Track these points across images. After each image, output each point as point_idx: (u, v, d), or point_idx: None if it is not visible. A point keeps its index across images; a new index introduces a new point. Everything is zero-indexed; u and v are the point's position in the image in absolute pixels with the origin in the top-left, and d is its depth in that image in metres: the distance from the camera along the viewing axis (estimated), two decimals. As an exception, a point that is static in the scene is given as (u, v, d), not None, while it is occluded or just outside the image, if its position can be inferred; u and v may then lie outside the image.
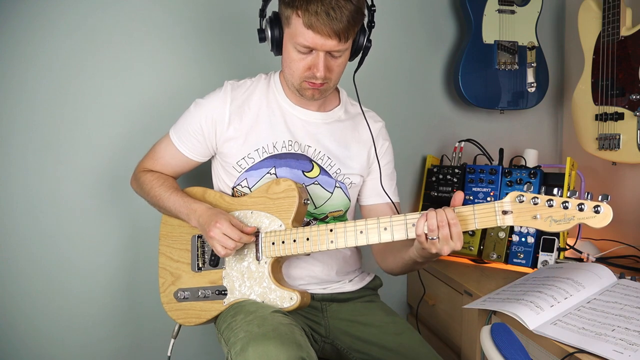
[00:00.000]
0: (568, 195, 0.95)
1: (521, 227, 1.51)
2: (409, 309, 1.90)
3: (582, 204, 0.93)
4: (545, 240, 1.46)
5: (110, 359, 1.57)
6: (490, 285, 1.34)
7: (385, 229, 1.07)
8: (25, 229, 1.47)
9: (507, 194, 1.00)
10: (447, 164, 1.77)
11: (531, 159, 1.72)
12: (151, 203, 1.29)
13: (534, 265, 1.47)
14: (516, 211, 0.98)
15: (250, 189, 1.23)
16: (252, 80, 1.28)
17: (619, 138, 1.50)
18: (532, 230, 1.49)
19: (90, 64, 1.49)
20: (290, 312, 1.12)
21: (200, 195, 1.26)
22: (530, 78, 1.77)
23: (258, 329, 0.97)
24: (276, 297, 1.14)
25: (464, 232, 1.01)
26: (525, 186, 0.98)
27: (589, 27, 1.59)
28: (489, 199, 1.59)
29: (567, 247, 1.50)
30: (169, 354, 1.30)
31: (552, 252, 1.43)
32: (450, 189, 1.67)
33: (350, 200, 1.30)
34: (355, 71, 1.25)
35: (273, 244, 1.15)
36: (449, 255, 1.02)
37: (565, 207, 0.94)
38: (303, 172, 1.24)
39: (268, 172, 1.22)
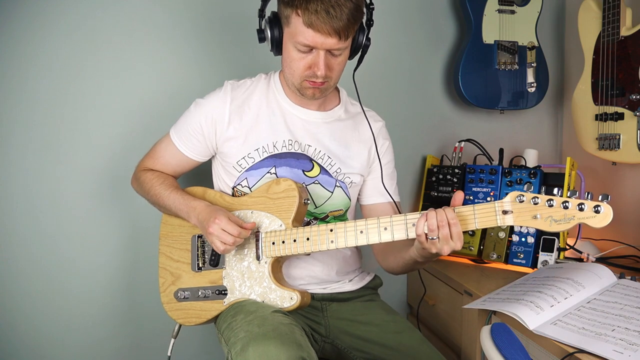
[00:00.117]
0: (568, 195, 0.95)
1: (521, 227, 1.51)
2: (409, 309, 1.90)
3: (582, 203, 0.93)
4: (545, 240, 1.46)
5: (110, 359, 1.57)
6: (490, 285, 1.34)
7: (386, 228, 1.07)
8: (25, 229, 1.47)
9: (507, 194, 1.00)
10: (447, 164, 1.77)
11: (531, 159, 1.72)
12: (151, 202, 1.29)
13: (534, 265, 1.47)
14: (516, 211, 0.98)
15: (250, 188, 1.23)
16: (252, 80, 1.28)
17: (619, 138, 1.50)
18: (532, 230, 1.49)
19: (90, 64, 1.49)
20: (290, 312, 1.12)
21: (200, 195, 1.26)
22: (530, 78, 1.77)
23: (258, 329, 0.97)
24: (276, 297, 1.14)
25: (464, 232, 1.01)
26: (526, 186, 0.98)
27: (589, 27, 1.59)
28: (489, 199, 1.59)
29: (567, 247, 1.50)
30: (169, 354, 1.30)
31: (552, 252, 1.43)
32: (450, 189, 1.67)
33: (350, 200, 1.30)
34: (355, 70, 1.25)
35: (273, 243, 1.15)
36: (449, 255, 1.03)
37: (566, 207, 0.94)
38: (303, 171, 1.24)
39: (268, 172, 1.22)
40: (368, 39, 1.18)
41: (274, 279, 1.15)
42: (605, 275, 1.16)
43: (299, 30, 1.08)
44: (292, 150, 1.24)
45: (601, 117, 1.55)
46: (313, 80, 1.14)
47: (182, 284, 1.24)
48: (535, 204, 0.96)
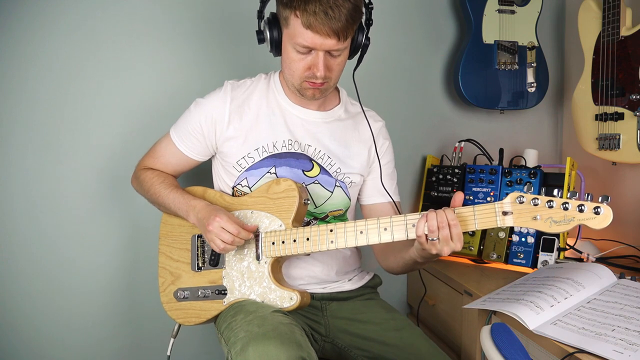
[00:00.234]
0: (568, 196, 0.95)
1: (521, 227, 1.51)
2: (409, 309, 1.90)
3: (582, 205, 0.93)
4: (545, 240, 1.46)
5: (110, 359, 1.57)
6: (490, 285, 1.34)
7: (386, 229, 1.07)
8: (25, 229, 1.47)
9: (507, 194, 1.00)
10: (447, 164, 1.77)
11: (531, 159, 1.72)
12: (151, 201, 1.29)
13: (534, 265, 1.47)
14: (516, 212, 0.98)
15: (250, 188, 1.23)
16: (252, 80, 1.28)
17: (619, 138, 1.50)
18: (532, 231, 1.49)
19: (90, 64, 1.49)
20: (290, 312, 1.12)
21: (200, 195, 1.26)
22: (530, 78, 1.76)
23: (258, 329, 0.97)
24: (276, 297, 1.14)
25: (464, 232, 1.01)
26: (526, 187, 0.99)
27: (589, 27, 1.59)
28: (489, 199, 1.58)
29: (567, 247, 1.50)
30: (168, 354, 1.30)
31: (552, 252, 1.43)
32: (450, 189, 1.67)
33: (350, 200, 1.30)
34: (355, 69, 1.25)
35: (273, 243, 1.15)
36: (449, 255, 1.03)
37: (566, 208, 0.94)
38: (303, 171, 1.24)
39: (268, 172, 1.22)
40: (368, 39, 1.18)
41: (274, 279, 1.15)
42: (605, 275, 1.16)
43: (297, 32, 1.08)
44: (292, 150, 1.24)
45: (601, 117, 1.55)
46: (312, 81, 1.14)
47: (181, 284, 1.24)
48: (535, 205, 0.96)
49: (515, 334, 0.92)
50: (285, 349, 0.92)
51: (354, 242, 1.10)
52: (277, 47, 1.17)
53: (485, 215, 1.01)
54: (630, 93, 1.47)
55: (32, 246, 1.47)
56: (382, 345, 1.19)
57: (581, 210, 0.93)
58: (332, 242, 1.11)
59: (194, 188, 1.29)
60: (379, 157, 1.30)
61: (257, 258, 1.16)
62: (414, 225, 1.05)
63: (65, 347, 1.52)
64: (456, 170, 1.68)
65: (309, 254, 1.20)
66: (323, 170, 1.26)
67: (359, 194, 1.35)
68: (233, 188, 1.26)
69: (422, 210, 1.75)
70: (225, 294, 1.19)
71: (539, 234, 1.48)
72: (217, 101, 1.24)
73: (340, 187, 1.27)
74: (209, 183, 1.33)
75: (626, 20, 1.48)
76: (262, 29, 1.18)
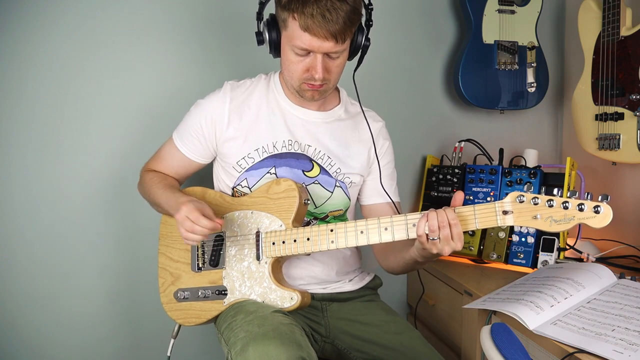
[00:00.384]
0: (568, 195, 0.95)
1: (521, 227, 1.51)
2: (409, 308, 1.90)
3: (582, 204, 0.93)
4: (545, 240, 1.46)
5: (110, 359, 1.57)
6: (490, 285, 1.34)
7: (386, 229, 1.07)
8: (25, 229, 1.47)
9: (507, 194, 1.00)
10: (447, 164, 1.77)
11: (531, 159, 1.72)
12: (150, 202, 1.29)
13: (534, 265, 1.47)
14: (517, 211, 0.98)
15: (250, 188, 1.23)
16: (251, 81, 1.28)
17: (619, 138, 1.50)
18: (532, 230, 1.49)
19: (90, 64, 1.49)
20: (290, 312, 1.12)
21: (200, 195, 1.26)
22: (530, 78, 1.76)
23: (258, 329, 0.97)
24: (276, 297, 1.14)
25: (464, 232, 1.01)
26: (526, 186, 0.99)
27: (589, 27, 1.59)
28: (489, 199, 1.59)
29: (567, 247, 1.50)
30: (168, 354, 1.30)
31: (552, 252, 1.43)
32: (450, 189, 1.67)
33: (350, 200, 1.30)
34: (355, 70, 1.25)
35: (273, 244, 1.15)
36: (449, 255, 1.03)
37: (566, 207, 0.94)
38: (303, 171, 1.24)
39: (268, 172, 1.22)
40: (368, 40, 1.18)
41: (274, 279, 1.15)
42: (605, 275, 1.16)
43: (295, 34, 1.07)
44: (292, 151, 1.24)
45: (601, 117, 1.55)
46: (311, 82, 1.14)
47: (181, 284, 1.24)
48: (536, 204, 0.96)
49: (515, 334, 0.92)
50: (286, 349, 0.92)
51: (354, 242, 1.10)
52: (276, 49, 1.17)
53: (485, 215, 1.01)
54: (630, 93, 1.47)
55: (32, 246, 1.47)
56: (381, 348, 1.19)
57: (581, 209, 0.93)
58: (332, 242, 1.11)
59: (194, 188, 1.29)
60: (379, 158, 1.30)
61: (258, 258, 1.16)
62: (414, 225, 1.05)
63: (65, 347, 1.52)
64: (456, 170, 1.68)
65: (309, 254, 1.20)
66: (323, 170, 1.26)
67: (359, 194, 1.35)
68: (233, 189, 1.26)
69: (422, 210, 1.77)
70: (226, 294, 1.19)
71: (539, 234, 1.48)
72: (216, 101, 1.24)
73: (340, 187, 1.27)
74: (209, 184, 1.34)
75: (626, 20, 1.48)
76: (261, 30, 1.18)
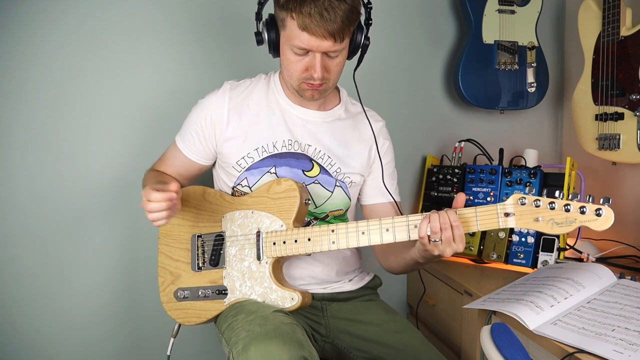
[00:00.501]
0: (570, 198, 0.95)
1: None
2: (409, 308, 1.90)
3: (584, 207, 0.93)
4: (545, 240, 1.46)
5: (110, 359, 1.57)
6: (490, 285, 1.34)
7: (388, 230, 1.08)
8: (25, 228, 1.46)
9: (506, 194, 1.01)
10: (447, 164, 1.77)
11: (531, 159, 1.72)
12: None
13: (534, 265, 1.47)
14: (518, 213, 0.99)
15: (250, 188, 1.23)
16: (251, 80, 1.28)
17: (619, 138, 1.50)
18: (532, 231, 1.49)
19: (90, 64, 1.49)
20: (290, 312, 1.12)
21: (199, 195, 1.26)
22: (530, 78, 1.77)
23: (260, 329, 0.97)
24: (277, 297, 1.14)
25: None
26: (527, 188, 0.99)
27: (589, 27, 1.59)
28: (489, 199, 1.59)
29: (567, 247, 1.50)
30: (168, 353, 1.30)
31: (552, 252, 1.43)
32: (450, 189, 1.67)
33: (350, 200, 1.30)
34: (355, 69, 1.25)
35: (274, 244, 1.15)
36: (450, 256, 1.03)
37: (567, 210, 0.94)
38: (303, 171, 1.24)
39: (268, 172, 1.22)
40: (367, 39, 1.18)
41: (275, 279, 1.15)
42: (605, 275, 1.16)
43: (294, 34, 1.07)
44: (292, 150, 1.24)
45: (601, 117, 1.55)
46: (311, 82, 1.14)
47: (181, 284, 1.24)
48: (537, 206, 0.97)
49: (515, 334, 0.92)
50: (287, 348, 0.92)
51: (355, 243, 1.10)
52: (275, 49, 1.17)
53: (487, 217, 1.01)
54: (630, 93, 1.47)
55: (32, 246, 1.47)
56: (381, 347, 1.19)
57: (583, 212, 0.93)
58: (333, 242, 1.11)
59: (193, 187, 1.29)
60: (380, 157, 1.30)
61: (258, 258, 1.16)
62: (416, 226, 1.05)
63: (65, 346, 1.52)
64: (456, 170, 1.68)
65: (310, 254, 1.20)
66: (323, 170, 1.26)
67: (359, 194, 1.35)
68: (233, 188, 1.26)
69: (422, 210, 1.77)
70: (226, 294, 1.19)
71: (539, 234, 1.48)
72: (215, 101, 1.24)
73: (341, 187, 1.28)
74: (210, 184, 1.33)
75: (626, 20, 1.48)
76: (260, 30, 1.18)
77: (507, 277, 1.40)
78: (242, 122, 1.23)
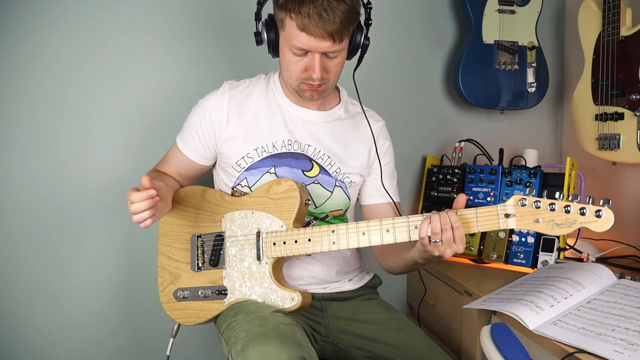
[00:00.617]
0: (570, 199, 0.95)
1: (521, 227, 1.51)
2: (409, 308, 1.90)
3: (584, 208, 0.93)
4: (545, 240, 1.46)
5: (110, 359, 1.57)
6: (490, 285, 1.34)
7: (388, 230, 1.08)
8: (24, 228, 1.46)
9: (506, 194, 1.01)
10: (447, 164, 1.77)
11: (531, 159, 1.72)
12: None
13: (534, 265, 1.47)
14: (518, 214, 0.99)
15: (250, 188, 1.23)
16: (251, 80, 1.28)
17: (619, 138, 1.50)
18: (532, 231, 1.48)
19: (90, 64, 1.49)
20: (290, 312, 1.12)
21: (199, 195, 1.26)
22: (530, 78, 1.77)
23: (259, 329, 0.97)
24: (277, 298, 1.14)
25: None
26: (527, 189, 0.99)
27: (589, 27, 1.59)
28: (489, 199, 1.59)
29: (567, 247, 1.50)
30: (168, 353, 1.30)
31: (552, 252, 1.43)
32: (450, 189, 1.67)
33: (350, 200, 1.30)
34: (355, 69, 1.25)
35: (274, 244, 1.15)
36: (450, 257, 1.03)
37: (567, 211, 0.95)
38: (303, 171, 1.24)
39: (268, 172, 1.22)
40: (367, 39, 1.18)
41: (275, 280, 1.15)
42: (605, 275, 1.16)
43: (293, 34, 1.07)
44: (292, 150, 1.24)
45: (601, 117, 1.55)
46: (310, 82, 1.14)
47: (181, 284, 1.24)
48: (537, 207, 0.97)
49: (515, 334, 0.92)
50: (286, 348, 0.92)
51: (356, 243, 1.10)
52: (274, 49, 1.17)
53: (487, 218, 1.01)
54: (630, 93, 1.47)
55: (32, 246, 1.47)
56: (382, 345, 1.19)
57: (583, 214, 0.94)
58: (334, 242, 1.11)
59: (193, 187, 1.29)
60: (379, 158, 1.30)
61: (258, 258, 1.16)
62: (416, 227, 1.05)
63: (65, 346, 1.52)
64: (456, 170, 1.68)
65: (310, 255, 1.20)
66: (323, 170, 1.26)
67: (358, 194, 1.35)
68: (233, 188, 1.26)
69: (422, 211, 1.77)
70: (226, 294, 1.19)
71: (539, 234, 1.48)
72: (214, 100, 1.24)
73: (340, 187, 1.27)
74: (210, 184, 1.33)
75: (626, 20, 1.48)
76: (259, 30, 1.18)
77: (507, 277, 1.40)
78: (241, 122, 1.23)
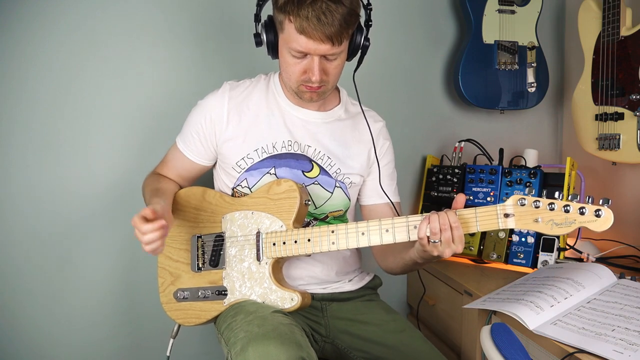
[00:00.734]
0: (569, 198, 0.95)
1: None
2: (409, 308, 1.90)
3: (584, 207, 0.93)
4: (545, 240, 1.46)
5: (110, 359, 1.57)
6: (490, 285, 1.34)
7: (387, 230, 1.08)
8: (25, 229, 1.46)
9: (506, 194, 1.01)
10: (447, 164, 1.77)
11: (531, 159, 1.72)
12: None
13: (534, 265, 1.47)
14: (518, 214, 0.99)
15: (250, 189, 1.23)
16: (251, 81, 1.28)
17: (619, 138, 1.50)
18: (532, 231, 1.48)
19: (90, 64, 1.49)
20: (290, 312, 1.12)
21: (200, 195, 1.26)
22: (530, 78, 1.77)
23: (258, 329, 0.97)
24: (277, 298, 1.14)
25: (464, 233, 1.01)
26: (527, 189, 0.99)
27: (589, 27, 1.59)
28: (489, 199, 1.58)
29: (567, 247, 1.50)
30: (168, 354, 1.30)
31: (552, 252, 1.43)
32: (450, 189, 1.67)
33: (350, 200, 1.30)
34: (355, 70, 1.24)
35: (274, 244, 1.15)
36: (449, 257, 1.03)
37: (567, 211, 0.94)
38: (303, 172, 1.24)
39: (268, 173, 1.22)
40: (367, 40, 1.18)
41: (275, 280, 1.15)
42: (605, 275, 1.16)
43: (292, 37, 1.07)
44: (292, 151, 1.24)
45: (601, 117, 1.55)
46: (309, 84, 1.14)
47: (181, 284, 1.24)
48: (537, 207, 0.97)
49: (515, 334, 0.92)
50: (286, 349, 0.92)
51: (355, 243, 1.10)
52: (273, 50, 1.16)
53: (486, 218, 1.01)
54: (630, 93, 1.47)
55: (32, 246, 1.47)
56: (382, 347, 1.19)
57: (582, 213, 0.93)
58: (333, 243, 1.11)
59: (193, 188, 1.28)
60: (378, 159, 1.30)
61: (258, 259, 1.16)
62: (415, 227, 1.05)
63: (65, 346, 1.52)
64: (456, 170, 1.68)
65: (309, 255, 1.20)
66: (323, 170, 1.26)
67: (358, 195, 1.35)
68: (233, 189, 1.26)
69: (422, 211, 1.77)
70: (226, 294, 1.19)
71: (538, 234, 1.48)
72: (214, 101, 1.24)
73: (340, 187, 1.27)
74: (210, 184, 1.33)
75: (626, 20, 1.48)
76: (259, 32, 1.18)
77: (507, 277, 1.40)
78: (241, 122, 1.23)
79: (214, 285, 1.21)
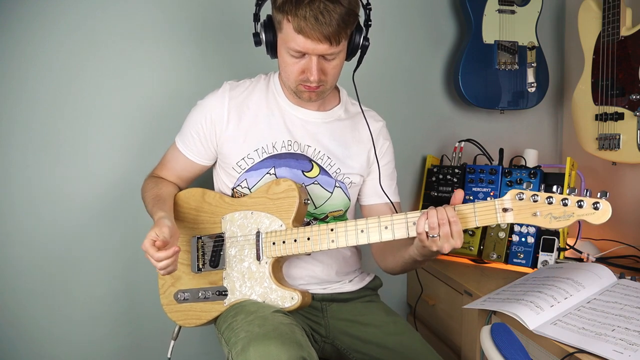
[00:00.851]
0: (567, 192, 0.95)
1: (521, 225, 1.51)
2: (409, 308, 1.90)
3: (581, 200, 0.93)
4: (545, 240, 1.46)
5: (110, 359, 1.57)
6: (490, 285, 1.34)
7: (386, 227, 1.08)
8: (25, 229, 1.47)
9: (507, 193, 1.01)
10: (447, 164, 1.77)
11: (531, 159, 1.72)
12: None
13: (534, 265, 1.47)
14: (516, 208, 0.99)
15: (250, 189, 1.23)
16: (251, 81, 1.28)
17: (619, 138, 1.50)
18: (532, 230, 1.49)
19: (90, 64, 1.49)
20: (290, 312, 1.12)
21: (199, 196, 1.26)
22: (531, 78, 1.77)
23: (259, 329, 0.97)
24: (277, 297, 1.14)
25: (464, 232, 1.01)
26: (525, 184, 0.99)
27: (589, 27, 1.59)
28: (489, 199, 1.58)
29: (567, 247, 1.50)
30: (169, 356, 1.30)
31: (552, 252, 1.43)
32: (450, 189, 1.67)
33: (350, 200, 1.30)
34: (355, 70, 1.24)
35: (274, 244, 1.15)
36: (448, 254, 1.03)
37: (565, 204, 0.94)
38: (303, 172, 1.24)
39: (267, 173, 1.22)
40: (367, 40, 1.18)
41: (275, 279, 1.15)
42: (605, 275, 1.16)
43: (290, 36, 1.07)
44: (292, 151, 1.24)
45: (601, 117, 1.55)
46: (307, 84, 1.14)
47: (181, 285, 1.24)
48: (535, 201, 0.97)
49: (515, 334, 0.92)
50: (286, 349, 0.92)
51: (354, 241, 1.10)
52: (272, 50, 1.16)
53: (485, 212, 1.01)
54: (630, 93, 1.47)
55: (33, 246, 1.47)
56: (381, 349, 1.19)
57: (580, 206, 0.93)
58: (333, 241, 1.11)
59: (193, 189, 1.28)
60: (378, 159, 1.30)
61: (258, 258, 1.16)
62: (414, 224, 1.05)
63: (65, 346, 1.52)
64: (456, 170, 1.68)
65: (309, 254, 1.20)
66: (323, 170, 1.26)
67: (358, 194, 1.35)
68: (233, 189, 1.25)
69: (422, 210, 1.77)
70: (226, 294, 1.19)
71: (539, 234, 1.48)
72: (215, 101, 1.24)
73: (340, 187, 1.27)
74: (210, 185, 1.33)
75: (626, 20, 1.48)
76: (258, 31, 1.18)
77: (507, 277, 1.40)
78: (242, 122, 1.23)
79: (214, 285, 1.21)
